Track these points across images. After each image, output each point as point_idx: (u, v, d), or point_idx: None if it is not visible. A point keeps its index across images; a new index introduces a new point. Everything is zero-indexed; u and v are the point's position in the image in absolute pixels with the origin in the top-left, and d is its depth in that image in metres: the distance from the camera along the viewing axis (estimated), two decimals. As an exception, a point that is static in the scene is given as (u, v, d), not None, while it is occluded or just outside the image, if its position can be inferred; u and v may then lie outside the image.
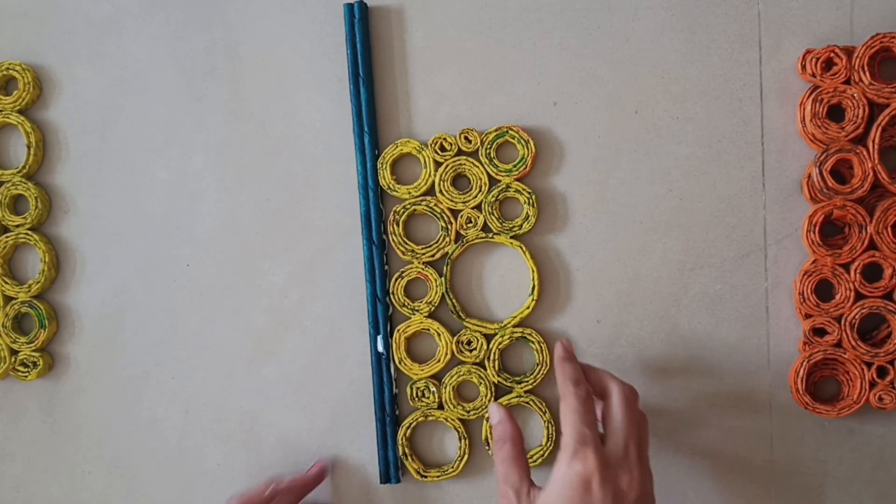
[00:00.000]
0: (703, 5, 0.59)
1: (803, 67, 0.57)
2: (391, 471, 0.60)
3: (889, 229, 0.55)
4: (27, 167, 0.63)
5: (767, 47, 0.59)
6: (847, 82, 0.55)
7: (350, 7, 0.61)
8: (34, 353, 0.63)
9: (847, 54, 0.55)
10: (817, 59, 0.56)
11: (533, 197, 0.59)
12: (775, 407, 0.59)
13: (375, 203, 0.60)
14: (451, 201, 0.60)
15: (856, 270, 0.56)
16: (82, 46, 0.64)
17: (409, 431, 0.60)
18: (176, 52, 0.64)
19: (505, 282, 0.60)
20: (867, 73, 0.55)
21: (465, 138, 0.60)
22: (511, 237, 0.59)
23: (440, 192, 0.60)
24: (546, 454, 0.59)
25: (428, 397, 0.60)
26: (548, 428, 0.59)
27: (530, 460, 0.59)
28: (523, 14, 0.60)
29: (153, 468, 0.64)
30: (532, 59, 0.60)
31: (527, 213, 0.59)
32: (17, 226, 0.63)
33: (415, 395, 0.60)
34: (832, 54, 0.56)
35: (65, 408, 0.64)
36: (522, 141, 0.59)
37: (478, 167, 0.59)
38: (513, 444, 0.52)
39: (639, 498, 0.49)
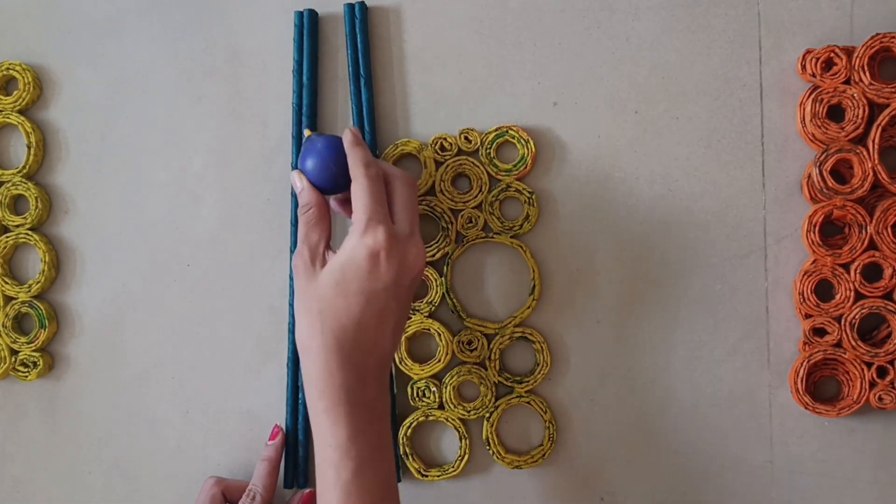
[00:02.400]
0: (703, 5, 0.59)
1: (803, 67, 0.57)
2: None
3: (889, 229, 0.55)
4: (27, 167, 0.63)
5: (767, 47, 0.59)
6: (847, 82, 0.56)
7: (350, 7, 0.61)
8: (34, 353, 0.63)
9: (847, 54, 0.55)
10: (817, 59, 0.56)
11: (533, 197, 0.59)
12: (775, 407, 0.59)
13: (376, 203, 0.60)
14: (452, 201, 0.60)
15: (856, 270, 0.56)
16: (82, 47, 0.64)
17: (409, 431, 0.60)
18: (176, 52, 0.64)
19: (505, 282, 0.60)
20: (867, 73, 0.55)
21: (465, 138, 0.60)
22: (511, 237, 0.59)
23: (440, 191, 0.60)
24: (546, 454, 0.59)
25: (428, 397, 0.60)
26: (548, 428, 0.59)
27: (531, 460, 0.59)
28: (523, 14, 0.60)
29: (153, 468, 0.64)
30: (532, 59, 0.60)
31: (527, 212, 0.59)
32: (18, 226, 0.63)
33: (415, 394, 0.60)
34: (832, 54, 0.56)
35: (65, 408, 0.64)
36: (522, 141, 0.59)
37: (478, 167, 0.59)
38: (317, 208, 0.54)
39: (420, 272, 0.52)
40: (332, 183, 0.54)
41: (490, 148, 0.59)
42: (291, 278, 0.61)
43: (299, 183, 0.55)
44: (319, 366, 0.50)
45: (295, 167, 0.59)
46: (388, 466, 0.51)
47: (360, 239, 0.50)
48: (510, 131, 0.59)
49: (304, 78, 0.61)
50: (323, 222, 0.53)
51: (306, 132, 0.56)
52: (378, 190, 0.52)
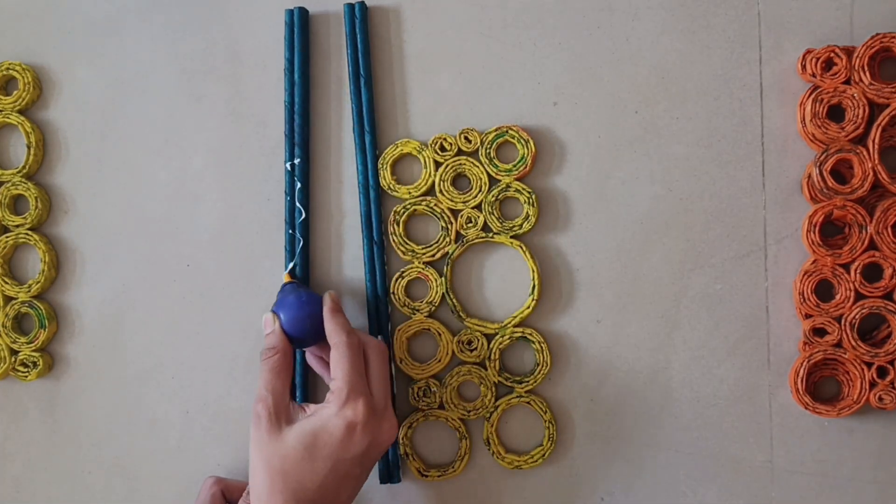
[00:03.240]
0: (703, 5, 0.59)
1: (803, 67, 0.57)
2: (392, 470, 0.60)
3: (889, 229, 0.55)
4: (27, 167, 0.63)
5: (767, 47, 0.59)
6: (847, 82, 0.56)
7: (350, 7, 0.61)
8: (34, 353, 0.63)
9: (847, 54, 0.55)
10: (817, 59, 0.56)
11: (533, 196, 0.59)
12: (775, 407, 0.59)
13: (376, 203, 0.60)
14: (452, 201, 0.60)
15: (856, 270, 0.56)
16: (82, 46, 0.64)
17: (410, 431, 0.60)
18: (176, 52, 0.64)
19: (505, 282, 0.60)
20: (867, 73, 0.55)
21: (465, 138, 0.60)
22: (511, 237, 0.59)
23: (440, 191, 0.60)
24: (547, 454, 0.59)
25: (429, 397, 0.60)
26: (548, 428, 0.59)
27: (531, 460, 0.59)
28: (523, 14, 0.60)
29: (153, 468, 0.64)
30: (532, 59, 0.60)
31: (527, 212, 0.59)
32: (18, 226, 0.63)
33: (416, 394, 0.60)
34: (832, 54, 0.56)
35: (65, 408, 0.64)
36: (522, 141, 0.59)
37: (478, 167, 0.59)
38: (283, 355, 0.54)
39: (389, 443, 0.53)
40: (305, 336, 0.56)
41: (490, 148, 0.59)
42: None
43: (271, 325, 0.55)
44: None
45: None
46: None
47: (339, 409, 0.51)
48: (510, 131, 0.59)
49: (296, 76, 0.61)
50: (288, 370, 0.54)
51: (285, 277, 0.58)
52: (358, 360, 0.53)
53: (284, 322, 0.55)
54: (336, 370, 0.52)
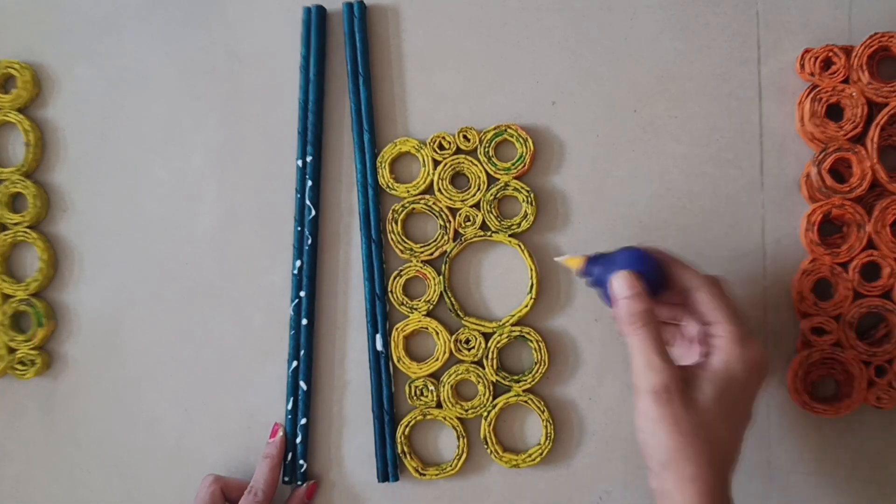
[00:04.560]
0: (702, 5, 0.59)
1: (802, 66, 0.57)
2: (389, 469, 0.60)
3: (887, 228, 0.55)
4: (26, 165, 0.63)
5: (766, 46, 0.59)
6: (846, 81, 0.56)
7: (349, 6, 0.61)
8: (32, 352, 0.63)
9: (846, 53, 0.55)
10: (816, 58, 0.56)
11: (531, 195, 0.59)
12: (773, 406, 0.59)
13: (374, 201, 0.60)
14: (450, 200, 0.60)
15: (854, 269, 0.56)
16: (81, 45, 0.64)
17: (407, 430, 0.60)
18: (175, 51, 0.64)
19: (503, 280, 0.60)
20: (866, 73, 0.55)
21: (464, 137, 0.60)
22: (509, 235, 0.59)
23: (439, 190, 0.60)
24: (545, 453, 0.59)
25: (426, 396, 0.60)
26: (546, 427, 0.59)
27: (528, 459, 0.59)
28: (522, 13, 0.60)
29: (152, 467, 0.64)
30: (531, 58, 0.60)
31: (525, 211, 0.59)
32: (16, 224, 0.63)
33: (413, 393, 0.60)
34: (831, 53, 0.56)
35: (63, 406, 0.64)
36: (521, 139, 0.59)
37: (476, 166, 0.59)
38: (657, 323, 0.48)
39: (768, 373, 0.49)
40: (660, 289, 0.50)
41: (489, 146, 0.59)
42: (294, 277, 0.61)
43: (633, 285, 0.48)
44: (705, 495, 0.45)
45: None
46: None
47: (740, 351, 0.47)
48: (509, 130, 0.59)
49: (311, 75, 0.61)
50: (661, 339, 0.48)
51: (578, 260, 0.52)
52: (727, 297, 0.49)
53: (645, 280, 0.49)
54: (715, 312, 0.48)
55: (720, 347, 0.47)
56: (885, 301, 0.56)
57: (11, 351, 0.63)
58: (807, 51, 0.57)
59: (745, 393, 0.48)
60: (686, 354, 0.53)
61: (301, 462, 0.61)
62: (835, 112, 0.57)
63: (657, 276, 0.50)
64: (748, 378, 0.47)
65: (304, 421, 0.61)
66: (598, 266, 0.51)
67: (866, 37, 0.55)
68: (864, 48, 0.55)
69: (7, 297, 0.63)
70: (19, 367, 0.63)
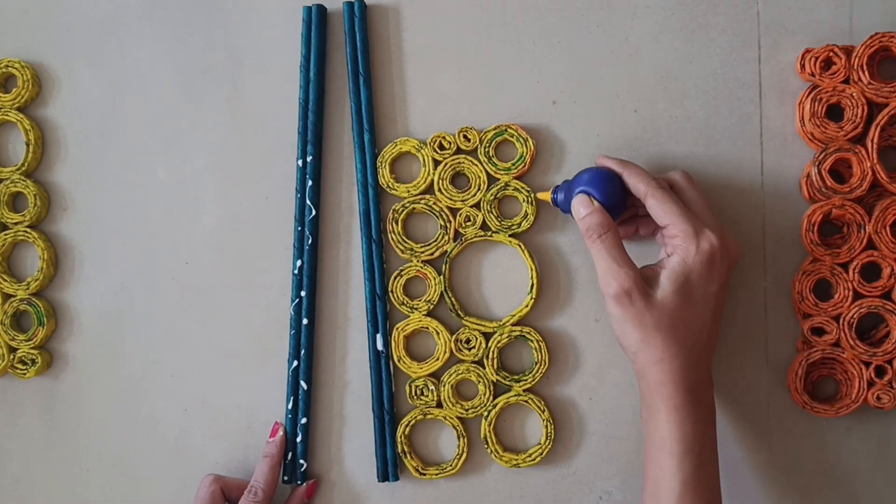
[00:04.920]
0: (703, 5, 0.59)
1: (802, 67, 0.57)
2: (390, 469, 0.60)
3: (887, 229, 0.55)
4: (26, 165, 0.63)
5: (766, 46, 0.59)
6: (846, 82, 0.56)
7: (350, 6, 0.61)
8: (33, 351, 0.63)
9: (846, 54, 0.55)
10: (816, 58, 0.56)
11: (532, 195, 0.59)
12: (774, 406, 0.59)
13: (375, 201, 0.60)
14: (450, 200, 0.60)
15: (854, 270, 0.56)
16: (82, 44, 0.64)
17: (407, 429, 0.60)
18: (175, 50, 0.64)
19: (504, 280, 0.60)
20: (866, 73, 0.55)
21: (464, 137, 0.60)
22: (510, 235, 0.59)
23: (439, 190, 0.60)
24: (545, 453, 0.59)
25: (427, 395, 0.60)
26: (546, 427, 0.59)
27: (528, 459, 0.59)
28: (522, 13, 0.60)
29: (152, 466, 0.64)
30: (531, 57, 0.60)
31: (525, 211, 0.59)
32: (16, 223, 0.63)
33: (413, 393, 0.60)
34: (831, 54, 0.56)
35: (63, 406, 0.64)
36: (521, 139, 0.59)
37: (477, 165, 0.59)
38: (615, 231, 0.53)
39: (739, 258, 0.54)
40: (619, 204, 0.54)
41: (489, 146, 0.59)
42: (294, 277, 0.61)
43: (589, 204, 0.53)
44: (669, 374, 0.51)
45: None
46: (717, 466, 0.52)
47: (695, 246, 0.51)
48: (509, 130, 0.59)
49: (312, 74, 0.61)
50: (621, 241, 0.53)
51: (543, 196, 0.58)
52: (675, 198, 0.52)
53: (599, 197, 0.53)
54: (665, 216, 0.52)
55: (675, 245, 0.51)
56: (885, 301, 0.56)
57: (12, 350, 0.63)
58: (807, 51, 0.57)
59: (708, 281, 0.51)
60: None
61: (301, 462, 0.61)
62: (835, 112, 0.57)
63: (616, 189, 0.54)
64: (708, 268, 0.51)
65: (304, 420, 0.61)
66: (562, 192, 0.56)
67: (867, 37, 0.55)
68: (865, 48, 0.55)
69: (8, 296, 0.63)
70: (20, 366, 0.63)
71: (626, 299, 0.51)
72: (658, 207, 0.52)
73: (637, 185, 0.53)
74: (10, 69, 0.63)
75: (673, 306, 0.50)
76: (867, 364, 0.56)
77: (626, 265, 0.51)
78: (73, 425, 0.64)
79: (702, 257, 0.51)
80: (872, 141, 0.55)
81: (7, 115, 0.63)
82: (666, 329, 0.50)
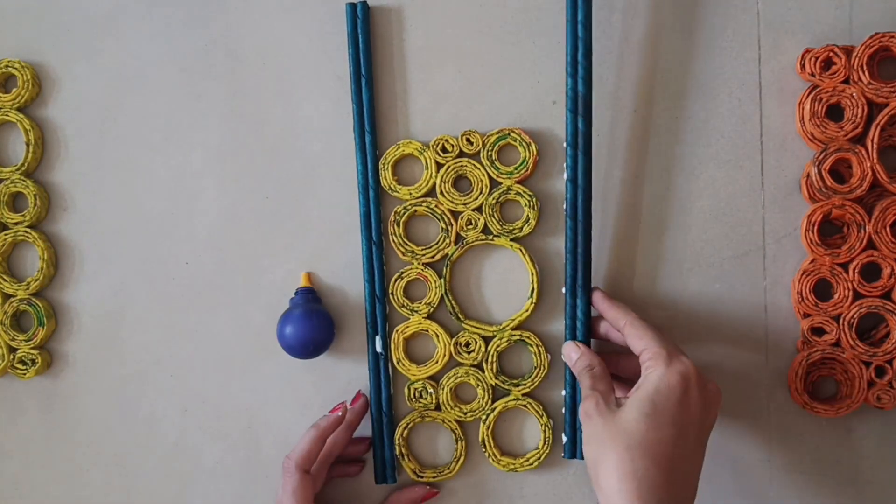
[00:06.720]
0: (702, 5, 0.59)
1: (802, 67, 0.57)
2: (387, 471, 0.60)
3: (887, 229, 0.55)
4: (26, 164, 0.63)
5: (766, 47, 0.59)
6: (846, 82, 0.55)
7: (353, 7, 0.61)
8: (33, 351, 0.63)
9: (846, 54, 0.55)
10: (816, 58, 0.56)
11: (534, 200, 0.59)
12: (774, 406, 0.59)
13: (375, 203, 0.60)
14: (452, 203, 0.60)
15: (854, 270, 0.56)
16: (81, 44, 0.64)
17: (406, 432, 0.60)
18: (175, 50, 0.64)
19: (504, 284, 0.60)
20: (866, 73, 0.55)
21: (467, 140, 0.60)
22: (511, 240, 0.59)
23: (441, 193, 0.60)
24: (543, 457, 0.59)
25: (425, 398, 0.60)
26: (545, 431, 0.59)
27: (526, 463, 0.59)
28: (523, 13, 0.60)
29: (151, 466, 0.64)
30: (531, 58, 0.60)
31: (527, 215, 0.59)
32: (16, 223, 0.63)
33: (412, 395, 0.60)
34: (831, 54, 0.56)
35: (63, 405, 0.64)
36: (524, 143, 0.59)
37: (479, 169, 0.59)
38: (601, 365, 0.54)
39: (718, 408, 0.51)
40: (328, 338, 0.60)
41: (491, 150, 0.59)
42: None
43: (577, 350, 0.56)
44: (627, 494, 0.47)
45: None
46: None
47: (667, 367, 0.50)
48: (512, 134, 0.59)
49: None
50: (608, 375, 0.54)
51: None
52: (652, 327, 0.53)
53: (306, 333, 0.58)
54: (641, 341, 0.52)
55: (648, 367, 0.51)
56: (885, 301, 0.56)
57: (12, 350, 0.63)
58: (807, 51, 0.57)
59: (681, 407, 0.49)
60: None
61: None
62: (835, 112, 0.56)
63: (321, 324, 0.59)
64: (681, 391, 0.49)
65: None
66: None
67: (867, 37, 0.55)
68: (865, 48, 0.55)
69: (8, 296, 0.63)
70: (20, 366, 0.63)
71: (586, 417, 0.50)
72: (634, 335, 0.53)
73: (618, 317, 0.54)
74: (10, 69, 0.63)
75: (633, 424, 0.48)
76: (867, 364, 0.56)
77: (599, 389, 0.52)
78: (73, 425, 0.64)
79: (674, 378, 0.49)
80: (872, 141, 0.54)
81: (7, 115, 0.63)
82: (623, 448, 0.47)
